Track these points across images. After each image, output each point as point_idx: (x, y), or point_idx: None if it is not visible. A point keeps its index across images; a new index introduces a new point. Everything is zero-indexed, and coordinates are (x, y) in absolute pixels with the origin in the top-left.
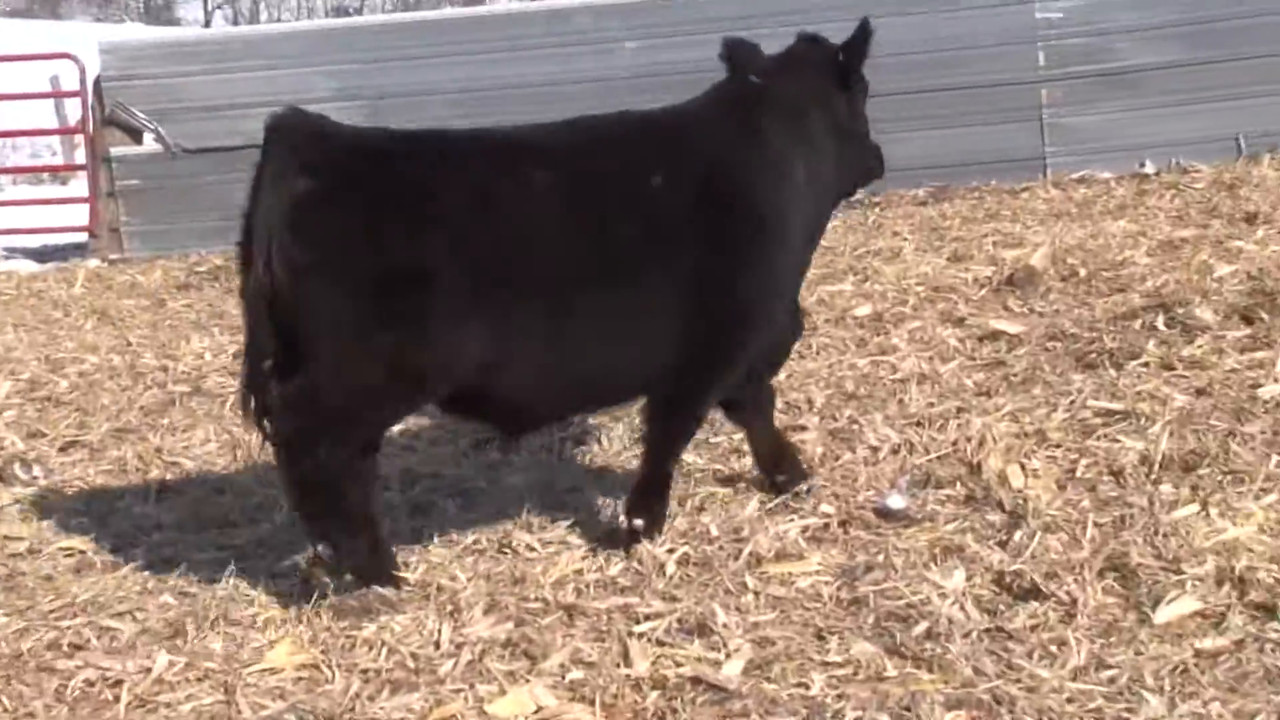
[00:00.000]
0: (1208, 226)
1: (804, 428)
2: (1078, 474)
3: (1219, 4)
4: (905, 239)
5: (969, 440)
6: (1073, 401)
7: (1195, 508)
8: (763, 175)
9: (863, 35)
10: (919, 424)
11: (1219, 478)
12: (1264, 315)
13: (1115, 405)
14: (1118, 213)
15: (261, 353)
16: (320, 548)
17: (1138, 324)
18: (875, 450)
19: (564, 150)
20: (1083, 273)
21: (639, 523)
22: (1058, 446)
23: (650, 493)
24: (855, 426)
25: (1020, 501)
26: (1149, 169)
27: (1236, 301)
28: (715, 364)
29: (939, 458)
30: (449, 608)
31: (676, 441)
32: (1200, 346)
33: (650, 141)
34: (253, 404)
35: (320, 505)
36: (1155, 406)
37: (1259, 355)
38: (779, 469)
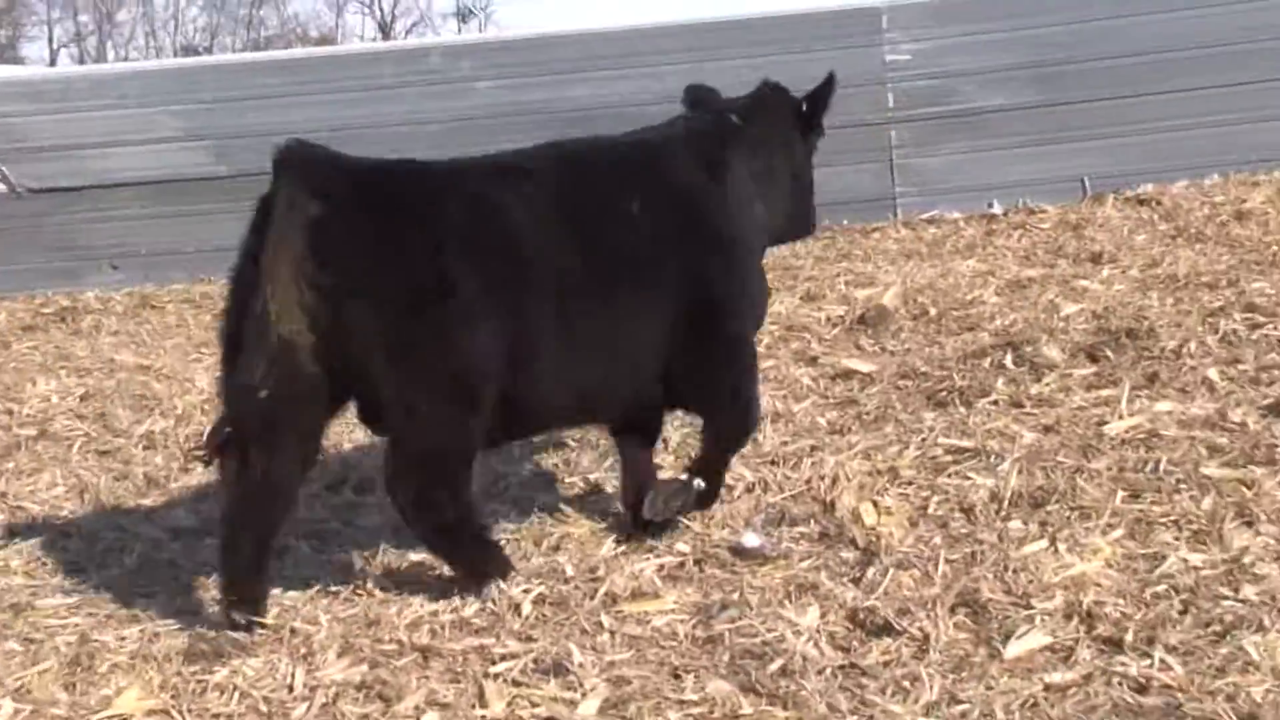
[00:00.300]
0: (1054, 266)
1: (659, 466)
2: (929, 511)
3: (1064, 47)
4: None
5: (822, 478)
6: (924, 439)
7: (1044, 543)
8: (726, 206)
9: (827, 86)
10: (773, 462)
11: (1067, 514)
12: (1109, 353)
13: (965, 443)
14: (967, 252)
15: (252, 384)
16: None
17: (987, 362)
18: (730, 489)
19: (556, 174)
20: (933, 311)
21: (699, 482)
22: (910, 484)
23: (711, 496)
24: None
25: (873, 539)
26: (997, 209)
27: (1082, 340)
28: (716, 386)
29: (793, 496)
30: (302, 651)
31: (730, 453)
32: (1048, 384)
33: (632, 167)
34: (222, 436)
35: (463, 547)
36: (1004, 444)
37: (1104, 393)
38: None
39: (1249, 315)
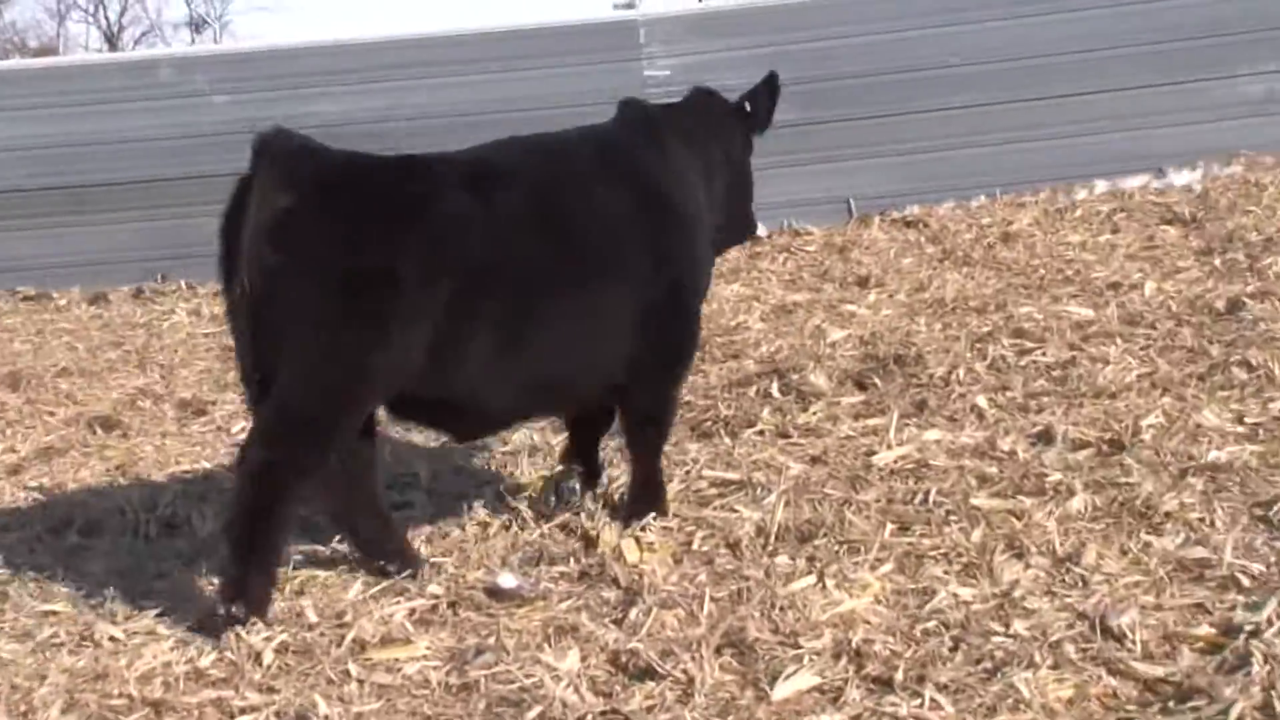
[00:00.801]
0: (820, 290)
1: (410, 504)
2: (694, 547)
3: (827, 65)
4: None
5: (581, 513)
6: (688, 472)
7: (812, 579)
8: (680, 188)
9: (769, 85)
10: (532, 497)
11: (835, 548)
12: (877, 381)
13: (731, 475)
14: (731, 276)
15: (250, 370)
16: (235, 609)
17: (753, 391)
18: (485, 526)
19: (522, 165)
20: None
21: (636, 520)
22: (674, 518)
23: (653, 490)
24: (463, 501)
25: (636, 577)
26: (761, 232)
27: (850, 367)
28: (675, 362)
29: (552, 532)
30: (22, 708)
31: (661, 442)
32: (815, 413)
33: (591, 156)
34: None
35: (265, 542)
36: (771, 475)
37: (872, 422)
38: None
39: (1017, 341)
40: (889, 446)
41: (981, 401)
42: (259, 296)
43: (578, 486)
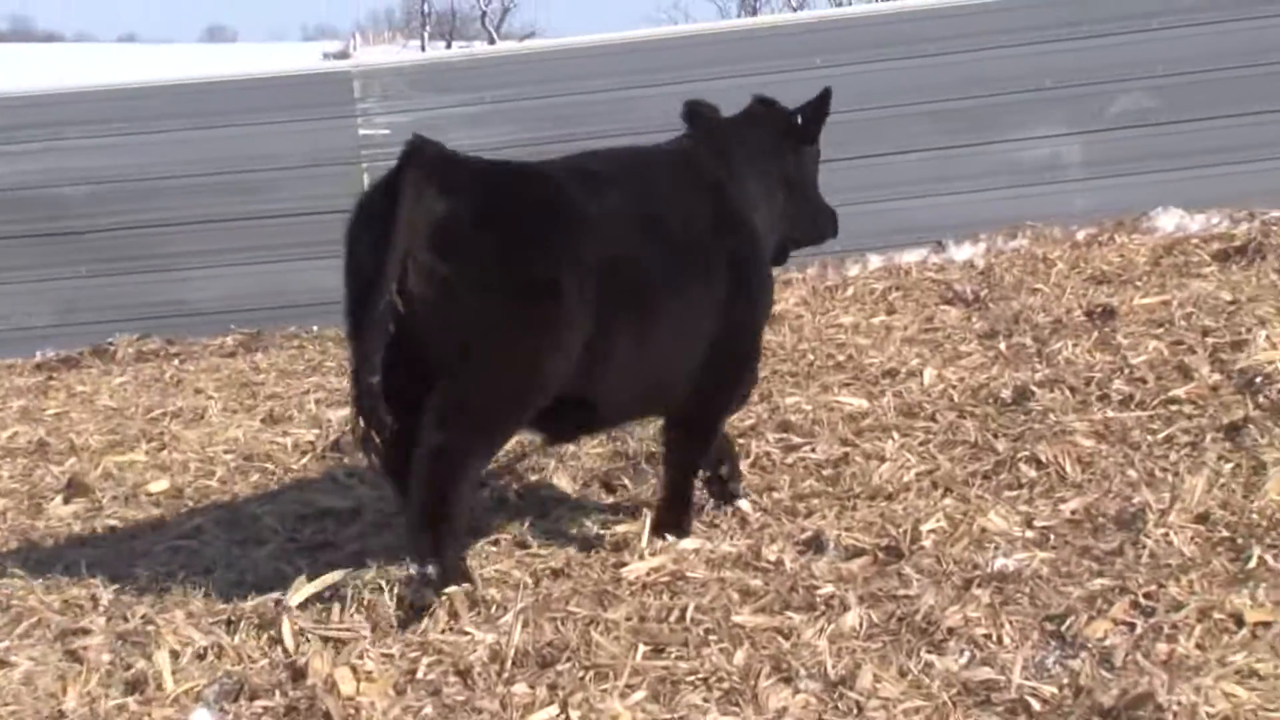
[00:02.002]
0: None
1: (88, 630)
2: (419, 675)
3: (566, 122)
4: (210, 397)
5: (283, 640)
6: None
7: (554, 710)
8: (749, 204)
9: (823, 98)
10: (230, 622)
11: (580, 674)
12: (626, 482)
13: (458, 596)
14: None
15: (372, 371)
16: (430, 569)
17: (486, 494)
18: (176, 655)
19: (627, 179)
20: None
21: (670, 537)
22: (397, 643)
23: (681, 508)
24: (152, 627)
25: (351, 712)
26: None
27: (595, 466)
28: (733, 382)
29: (255, 662)
30: None
31: (701, 459)
32: (557, 520)
33: (673, 173)
34: (368, 431)
35: (449, 520)
36: (507, 592)
37: (622, 529)
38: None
39: (783, 435)
40: (641, 557)
41: (744, 504)
42: (426, 303)
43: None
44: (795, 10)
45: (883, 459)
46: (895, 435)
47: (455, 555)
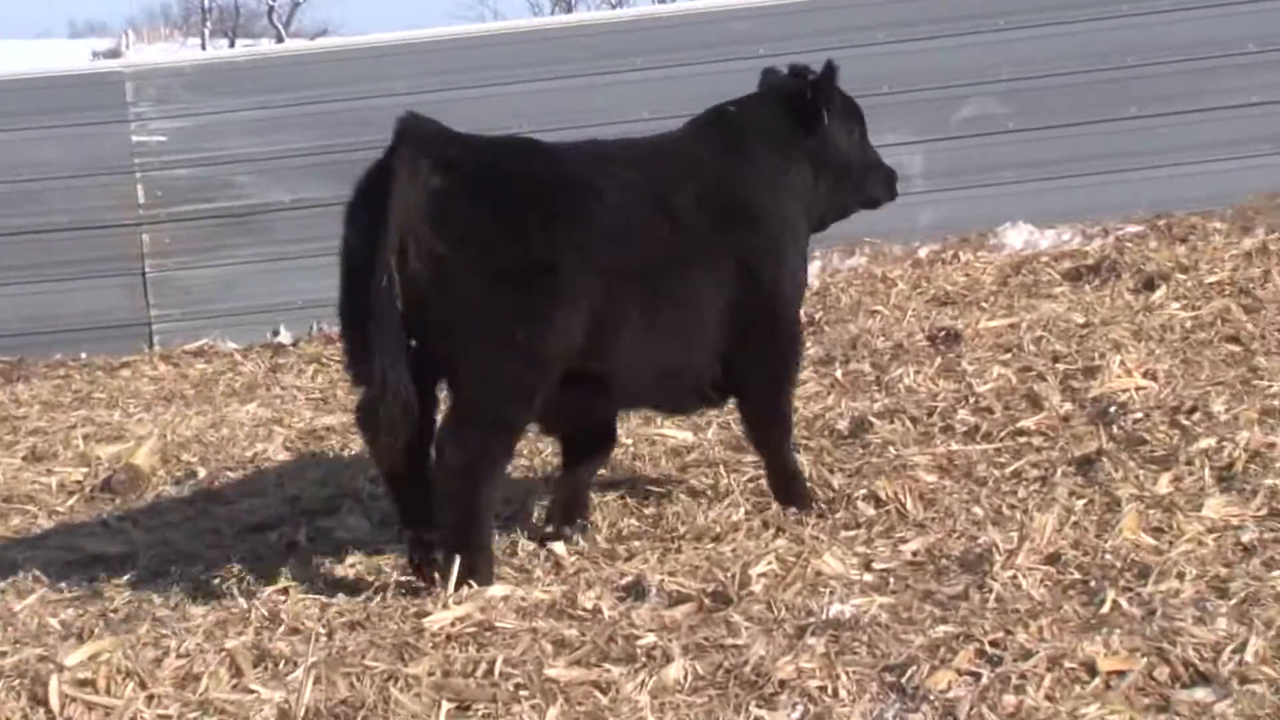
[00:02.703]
0: None
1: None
2: None
3: (364, 130)
4: None
5: (50, 700)
6: (183, 643)
7: None
8: (771, 188)
9: (827, 72)
10: None
11: None
12: None
13: (241, 650)
14: (246, 394)
15: (374, 352)
16: (459, 559)
17: (274, 537)
18: None
19: (635, 161)
20: (203, 473)
21: (793, 511)
22: (174, 704)
23: (790, 481)
24: None
25: None
26: (285, 338)
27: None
28: (771, 361)
29: None
30: None
31: (783, 436)
32: (353, 566)
33: (684, 158)
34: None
35: (473, 530)
36: (298, 644)
37: None
38: (566, 520)
39: (601, 472)
40: (445, 605)
41: (558, 547)
42: (426, 284)
43: None
44: (614, 8)
45: (709, 497)
46: (723, 470)
47: (488, 576)
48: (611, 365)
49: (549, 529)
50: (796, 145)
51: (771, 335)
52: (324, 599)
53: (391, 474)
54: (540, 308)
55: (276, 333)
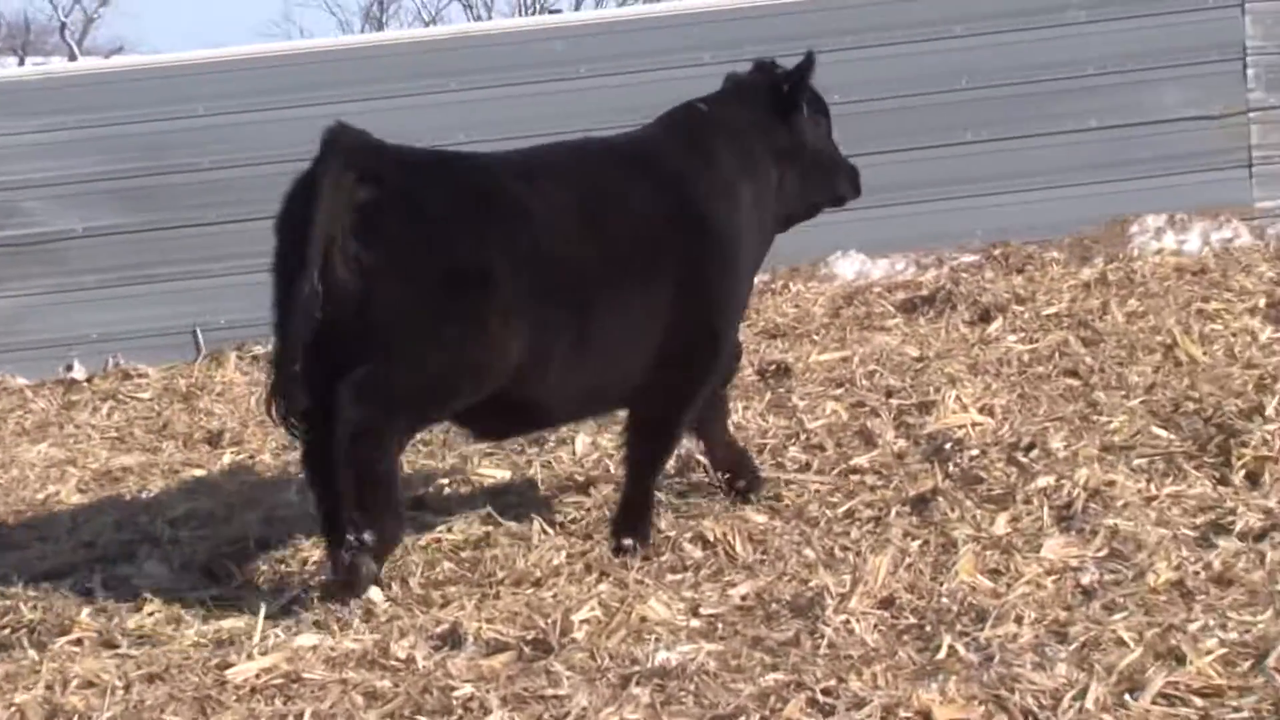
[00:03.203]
0: (159, 451)
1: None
2: None
3: (163, 155)
4: None
5: None
6: None
7: None
8: (718, 196)
9: (806, 64)
10: None
11: None
12: (235, 570)
13: (37, 700)
14: (37, 433)
15: (294, 358)
16: (366, 536)
17: (68, 586)
18: None
19: (571, 170)
20: None
21: (628, 542)
22: None
23: (637, 512)
24: None
25: None
26: (79, 373)
27: (198, 552)
28: (693, 380)
29: None
30: None
31: (660, 460)
32: (151, 615)
33: (627, 164)
34: (281, 407)
35: (378, 492)
36: (93, 699)
37: (228, 624)
38: (737, 474)
39: (414, 514)
40: (250, 656)
41: (372, 594)
42: (350, 294)
43: None
44: (428, 25)
45: (528, 540)
46: (543, 512)
47: (394, 525)
48: (542, 380)
49: (740, 484)
50: (765, 145)
51: (702, 350)
52: (121, 650)
53: (312, 473)
54: (471, 315)
55: (70, 368)
